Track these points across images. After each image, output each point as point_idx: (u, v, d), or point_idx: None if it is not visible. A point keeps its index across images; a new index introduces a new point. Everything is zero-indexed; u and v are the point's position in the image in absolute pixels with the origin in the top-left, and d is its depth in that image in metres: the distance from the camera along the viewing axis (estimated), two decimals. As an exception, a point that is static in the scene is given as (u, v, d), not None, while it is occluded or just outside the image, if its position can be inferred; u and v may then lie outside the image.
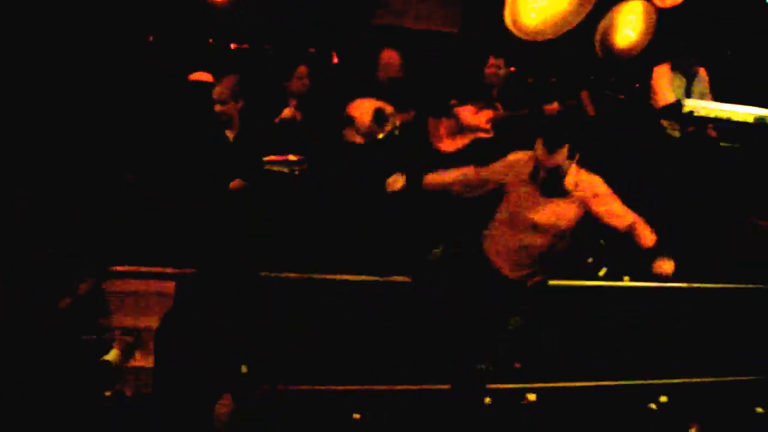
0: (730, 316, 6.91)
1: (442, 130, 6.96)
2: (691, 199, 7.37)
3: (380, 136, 6.64)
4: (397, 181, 5.36)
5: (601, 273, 6.74)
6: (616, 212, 4.95)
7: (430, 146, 6.91)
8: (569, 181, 4.88)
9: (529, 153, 5.03)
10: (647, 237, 4.90)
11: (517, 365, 6.26)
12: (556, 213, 4.93)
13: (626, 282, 6.55)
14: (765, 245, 7.70)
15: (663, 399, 6.28)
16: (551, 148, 4.77)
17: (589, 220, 4.99)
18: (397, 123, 6.66)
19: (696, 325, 6.73)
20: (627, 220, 4.93)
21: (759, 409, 6.30)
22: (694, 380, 6.61)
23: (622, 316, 6.56)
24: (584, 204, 4.92)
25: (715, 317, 6.86)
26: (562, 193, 4.90)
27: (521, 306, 5.07)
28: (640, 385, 6.42)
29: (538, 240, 4.98)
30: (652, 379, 6.49)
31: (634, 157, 7.42)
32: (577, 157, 4.89)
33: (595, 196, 4.93)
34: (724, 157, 7.51)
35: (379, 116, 6.63)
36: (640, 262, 5.03)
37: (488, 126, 6.94)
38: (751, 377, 6.76)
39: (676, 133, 7.52)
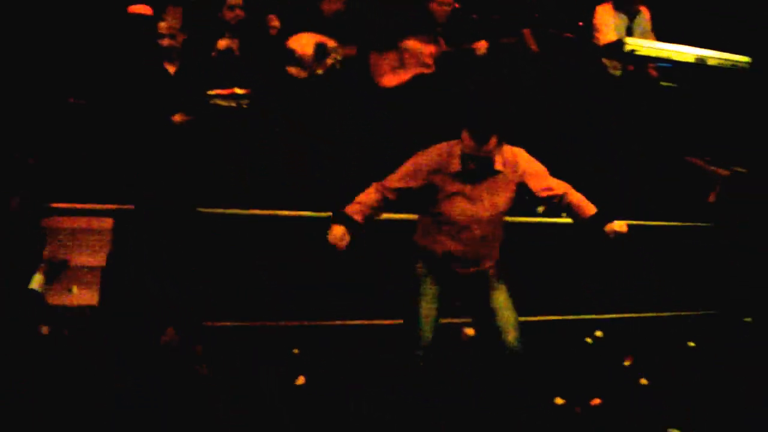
0: (666, 252, 7.03)
1: (385, 65, 6.92)
2: (630, 137, 7.44)
3: (321, 70, 6.57)
4: (342, 239, 4.61)
5: (540, 210, 6.80)
6: (551, 187, 4.82)
7: (372, 81, 6.88)
8: (498, 163, 4.64)
9: (443, 146, 4.75)
10: (588, 206, 4.76)
11: (458, 303, 6.31)
12: (494, 199, 4.69)
13: (564, 218, 6.59)
14: (701, 185, 7.83)
15: (598, 333, 6.40)
16: (480, 140, 4.49)
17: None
18: (339, 57, 6.61)
19: (631, 261, 6.84)
20: (560, 191, 4.77)
21: (691, 344, 6.44)
22: (629, 315, 6.74)
23: (558, 252, 6.65)
24: (518, 181, 4.80)
25: (650, 254, 6.98)
26: (494, 174, 4.68)
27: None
28: (576, 320, 6.53)
29: (485, 229, 4.74)
30: (588, 314, 6.61)
31: (576, 96, 7.45)
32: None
33: (527, 172, 4.72)
34: (664, 96, 7.57)
35: (320, 50, 6.56)
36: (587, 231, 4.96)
37: (431, 61, 6.92)
38: (684, 313, 6.92)
39: (617, 72, 7.55)
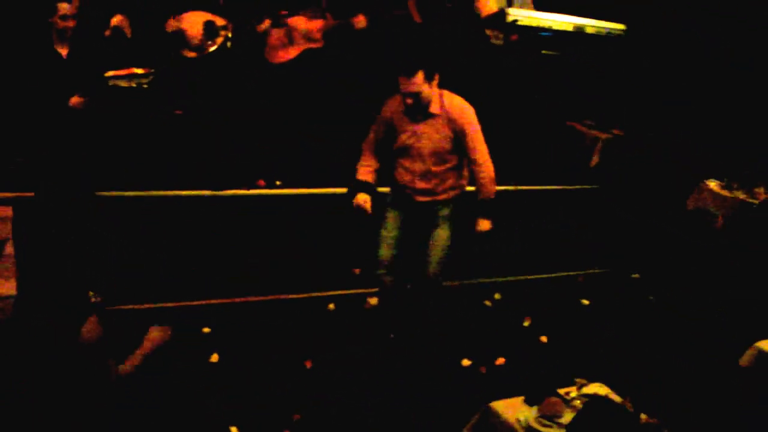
0: (554, 216, 7.27)
1: (274, 41, 6.92)
2: (513, 105, 7.63)
3: (211, 49, 6.54)
4: (366, 202, 5.23)
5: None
6: (477, 153, 5.13)
7: (262, 58, 6.88)
8: (435, 107, 5.03)
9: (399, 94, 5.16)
10: (490, 188, 5.22)
11: (357, 271, 6.42)
12: (433, 137, 5.09)
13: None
14: (583, 148, 8.10)
15: (497, 296, 6.58)
16: (407, 75, 4.89)
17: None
18: (229, 35, 6.58)
19: (523, 225, 7.06)
20: (481, 158, 5.14)
21: (585, 301, 6.69)
22: (525, 277, 6.95)
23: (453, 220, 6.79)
24: (454, 128, 5.08)
25: (541, 218, 7.21)
26: (431, 116, 5.06)
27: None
28: (475, 284, 6.70)
29: (429, 163, 5.16)
30: (486, 278, 6.79)
31: (460, 66, 7.58)
32: (436, 78, 4.99)
33: (465, 127, 5.08)
34: (545, 64, 7.78)
35: (209, 29, 6.52)
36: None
37: (319, 36, 6.96)
38: (576, 272, 7.17)
39: (500, 42, 7.71)
